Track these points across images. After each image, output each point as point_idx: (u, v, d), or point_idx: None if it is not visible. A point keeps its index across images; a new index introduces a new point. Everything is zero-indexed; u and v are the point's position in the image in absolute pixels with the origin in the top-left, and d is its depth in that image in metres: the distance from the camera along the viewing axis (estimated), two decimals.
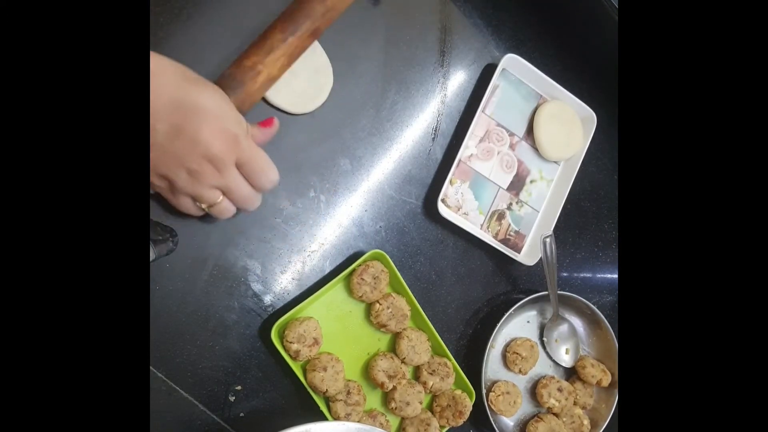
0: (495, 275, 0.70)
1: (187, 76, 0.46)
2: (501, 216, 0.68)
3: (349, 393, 0.58)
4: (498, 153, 0.68)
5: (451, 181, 0.65)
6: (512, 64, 0.67)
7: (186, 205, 0.50)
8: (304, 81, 0.58)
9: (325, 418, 0.57)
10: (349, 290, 0.60)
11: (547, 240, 0.66)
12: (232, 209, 0.51)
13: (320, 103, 0.59)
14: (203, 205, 0.49)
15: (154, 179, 0.48)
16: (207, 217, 0.54)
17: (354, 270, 0.59)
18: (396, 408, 0.60)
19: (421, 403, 0.61)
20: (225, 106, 0.47)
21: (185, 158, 0.46)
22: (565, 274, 0.75)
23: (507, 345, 0.71)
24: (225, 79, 0.51)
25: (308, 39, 0.53)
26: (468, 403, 0.63)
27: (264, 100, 0.57)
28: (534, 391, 0.72)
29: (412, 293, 0.61)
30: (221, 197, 0.49)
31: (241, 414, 0.57)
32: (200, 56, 0.54)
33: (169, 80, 0.44)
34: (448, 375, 0.62)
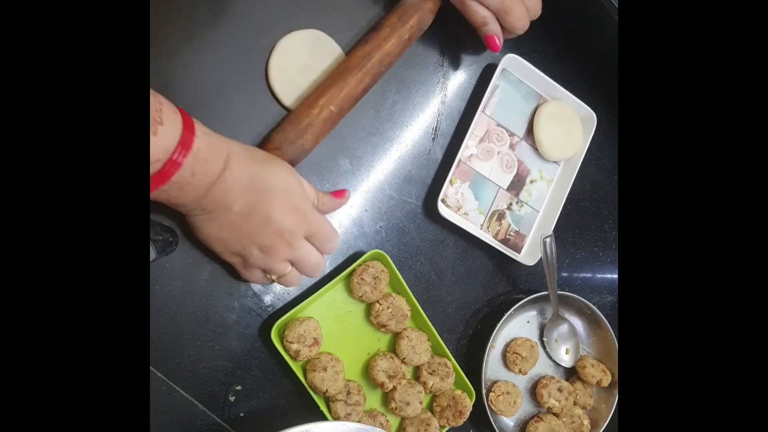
0: (495, 275, 0.70)
1: (257, 158, 0.48)
2: (501, 216, 0.68)
3: (349, 393, 0.58)
4: (498, 153, 0.68)
5: (451, 181, 0.65)
6: (512, 64, 0.67)
7: (257, 277, 0.53)
8: (312, 81, 0.58)
9: (325, 418, 0.57)
10: (349, 290, 0.60)
11: (547, 240, 0.66)
12: (299, 278, 0.54)
13: None
14: (273, 277, 0.52)
15: (228, 257, 0.51)
16: None
17: (354, 270, 0.59)
18: (396, 408, 0.60)
19: (421, 403, 0.61)
20: (293, 183, 0.50)
21: (258, 236, 0.49)
22: (565, 274, 0.75)
23: (507, 345, 0.71)
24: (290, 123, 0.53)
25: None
26: (468, 403, 0.63)
27: (276, 100, 0.57)
28: (534, 391, 0.72)
29: (412, 293, 0.61)
30: (290, 267, 0.52)
31: (241, 414, 0.57)
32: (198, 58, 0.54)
33: (241, 163, 0.46)
34: (448, 375, 0.62)
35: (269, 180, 0.48)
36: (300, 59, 0.57)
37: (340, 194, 0.57)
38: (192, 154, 0.42)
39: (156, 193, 0.43)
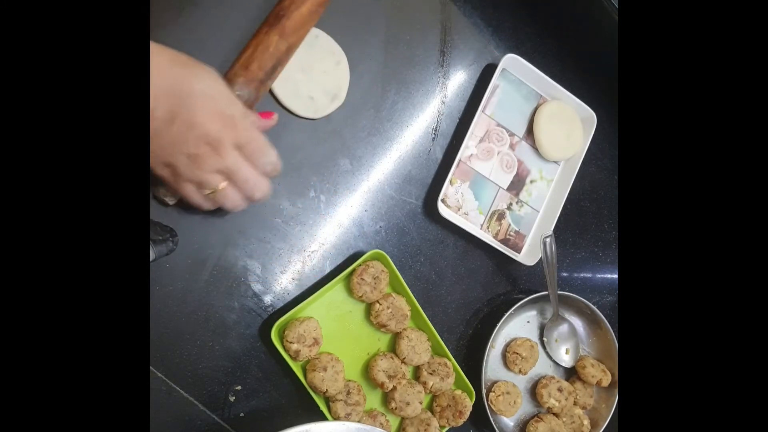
0: (495, 275, 0.70)
1: (178, 60, 0.45)
2: (501, 216, 0.68)
3: (349, 393, 0.58)
4: (498, 153, 0.68)
5: (451, 181, 0.65)
6: (512, 64, 0.67)
7: (190, 192, 0.49)
8: (320, 85, 0.58)
9: (325, 418, 0.57)
10: (349, 290, 0.60)
11: (547, 240, 0.66)
12: (237, 197, 0.50)
13: (333, 109, 0.59)
14: (207, 192, 0.49)
15: (157, 168, 0.48)
16: (207, 216, 0.54)
17: (354, 270, 0.59)
18: (396, 408, 0.60)
19: (421, 403, 0.61)
20: (219, 88, 0.47)
21: (183, 143, 0.46)
22: (565, 274, 0.75)
23: (507, 345, 0.71)
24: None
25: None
26: (468, 403, 0.63)
27: (276, 100, 0.57)
28: (534, 391, 0.72)
29: (412, 293, 0.61)
30: (224, 182, 0.49)
31: (241, 414, 0.57)
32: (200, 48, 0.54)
33: (161, 66, 0.43)
34: (448, 375, 0.62)
35: (193, 83, 0.45)
36: (298, 58, 0.57)
37: (267, 115, 0.53)
38: None
39: None
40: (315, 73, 0.58)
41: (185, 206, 0.53)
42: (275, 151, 0.50)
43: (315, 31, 0.58)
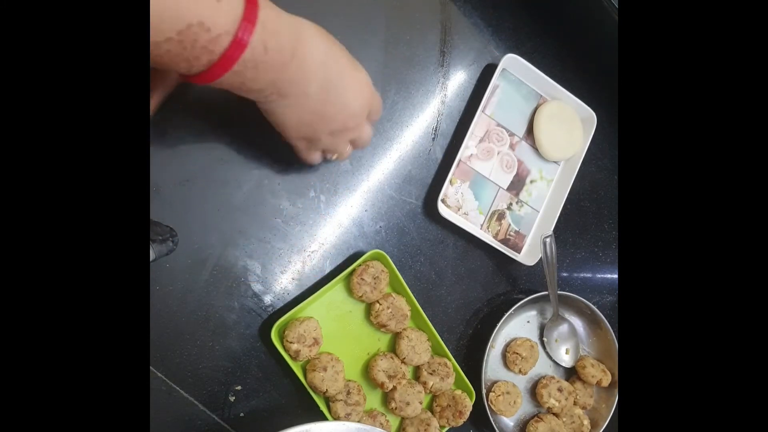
0: (495, 275, 0.70)
1: (328, 36, 0.46)
2: (501, 216, 0.68)
3: (349, 393, 0.58)
4: (498, 153, 0.68)
5: (451, 181, 0.65)
6: (512, 64, 0.67)
7: (316, 158, 0.52)
8: None
9: (325, 418, 0.57)
10: (349, 290, 0.60)
11: (547, 240, 0.66)
12: (349, 150, 0.54)
13: None
14: (333, 156, 0.52)
15: (295, 141, 0.49)
16: (207, 216, 0.54)
17: (354, 270, 0.59)
18: (396, 408, 0.60)
19: (421, 403, 0.61)
20: (352, 59, 0.48)
21: (331, 121, 0.47)
22: (565, 274, 0.75)
23: (507, 345, 0.71)
24: None
25: None
26: (468, 403, 0.63)
27: None
28: (534, 391, 0.72)
29: (412, 293, 0.61)
30: (350, 147, 0.53)
31: (241, 414, 0.57)
32: None
33: (316, 40, 0.43)
34: (448, 375, 0.62)
35: (342, 59, 0.46)
36: None
37: None
38: (260, 26, 0.38)
39: (230, 76, 0.39)
40: None
41: (185, 206, 0.53)
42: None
43: None
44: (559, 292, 0.69)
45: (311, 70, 0.43)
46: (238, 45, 0.37)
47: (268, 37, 0.39)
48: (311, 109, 0.45)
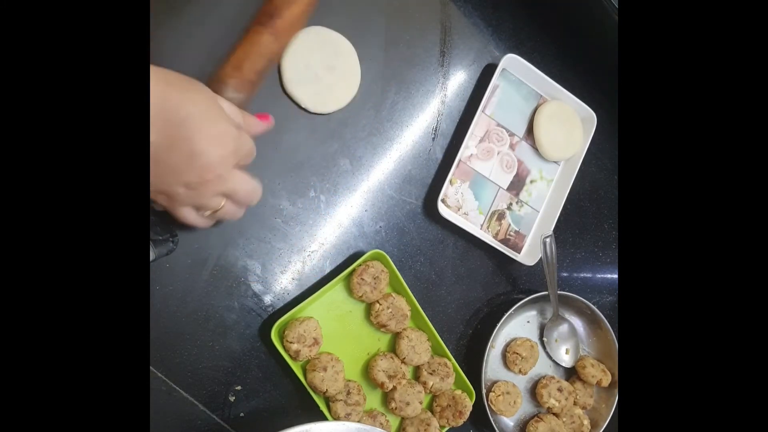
0: (495, 275, 0.70)
1: (171, 81, 0.43)
2: (501, 216, 0.68)
3: (349, 393, 0.58)
4: (498, 153, 0.68)
5: (451, 181, 0.65)
6: (512, 64, 0.67)
7: (189, 216, 0.47)
8: (331, 81, 0.59)
9: (325, 418, 0.57)
10: (349, 290, 0.60)
11: (547, 240, 0.66)
12: (236, 210, 0.49)
13: (341, 106, 0.60)
14: (207, 213, 0.48)
15: (153, 196, 0.45)
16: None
17: (354, 270, 0.59)
18: (396, 408, 0.60)
19: (421, 403, 0.61)
20: (213, 108, 0.44)
21: (184, 173, 0.43)
22: (565, 274, 0.75)
23: (507, 345, 0.71)
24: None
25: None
26: (468, 403, 0.63)
27: (283, 91, 0.57)
28: (534, 391, 0.72)
29: (412, 293, 0.61)
30: (224, 201, 0.47)
31: (241, 414, 0.57)
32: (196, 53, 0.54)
33: (154, 90, 0.40)
34: (448, 375, 0.62)
35: (188, 107, 0.42)
36: (309, 57, 0.57)
37: (264, 117, 0.51)
38: None
39: None
40: (327, 68, 0.58)
41: None
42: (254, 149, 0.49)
43: (315, 29, 0.58)
44: (559, 292, 0.69)
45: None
46: None
47: None
48: (155, 159, 0.42)
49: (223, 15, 0.55)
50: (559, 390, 0.70)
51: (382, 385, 0.59)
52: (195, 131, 0.42)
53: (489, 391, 0.67)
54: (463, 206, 0.66)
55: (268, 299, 0.58)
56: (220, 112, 0.45)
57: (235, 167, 0.46)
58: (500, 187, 0.68)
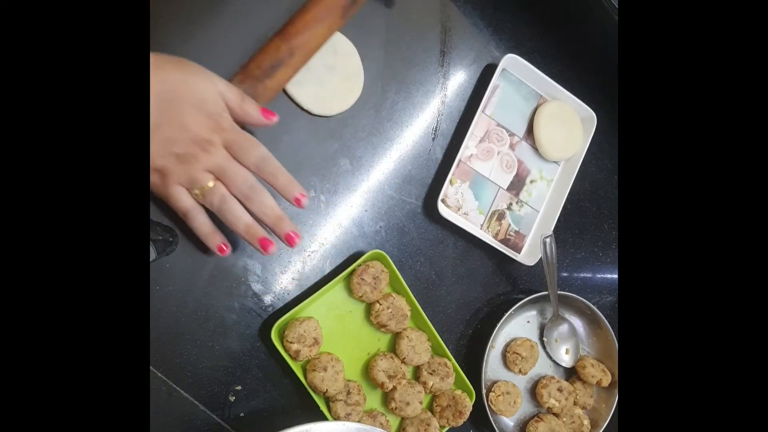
0: (495, 275, 0.70)
1: (161, 63, 0.46)
2: (501, 216, 0.68)
3: (349, 393, 0.58)
4: (498, 153, 0.68)
5: (451, 181, 0.65)
6: (512, 64, 0.67)
7: (182, 198, 0.49)
8: (334, 83, 0.59)
9: (325, 418, 0.57)
10: (349, 290, 0.60)
11: (547, 240, 0.66)
12: (232, 202, 0.49)
13: (344, 108, 0.60)
14: (196, 191, 0.48)
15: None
16: (207, 216, 0.54)
17: (354, 270, 0.59)
18: (396, 408, 0.60)
19: (421, 403, 0.61)
20: (208, 88, 0.47)
21: (173, 143, 0.46)
22: (565, 274, 0.75)
23: (507, 345, 0.71)
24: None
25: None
26: (468, 403, 0.63)
27: (285, 93, 0.57)
28: (534, 391, 0.72)
29: (412, 293, 0.61)
30: (213, 180, 0.49)
31: (241, 414, 0.57)
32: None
33: (157, 70, 0.44)
34: (448, 375, 0.62)
35: (180, 88, 0.46)
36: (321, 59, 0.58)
37: (268, 112, 0.51)
38: None
39: None
40: (329, 70, 0.58)
41: None
42: (260, 144, 0.50)
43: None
44: (559, 292, 0.69)
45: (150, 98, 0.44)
46: None
47: None
48: (150, 134, 0.45)
49: (254, 27, 0.56)
50: (559, 390, 0.70)
51: (382, 385, 0.59)
52: (187, 108, 0.46)
53: (489, 391, 0.67)
54: (463, 206, 0.66)
55: (268, 299, 0.58)
56: (212, 94, 0.48)
57: (224, 148, 0.48)
58: (500, 187, 0.68)
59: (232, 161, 0.49)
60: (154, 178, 0.48)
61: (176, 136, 0.46)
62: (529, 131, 0.70)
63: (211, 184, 0.49)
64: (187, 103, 0.46)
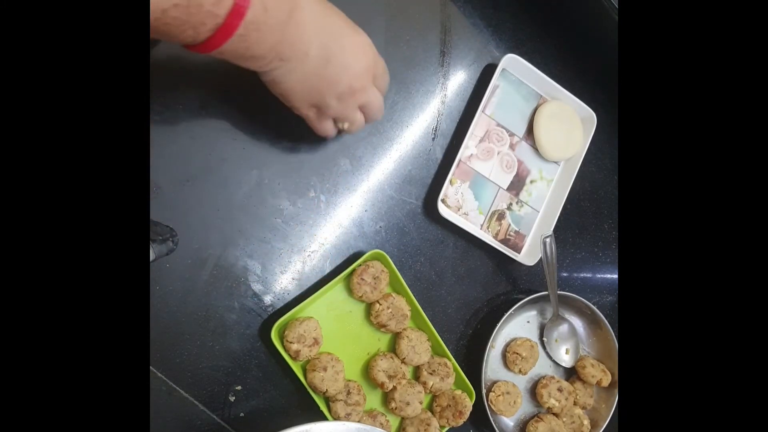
0: (495, 275, 0.70)
1: (328, 6, 0.47)
2: (501, 216, 0.68)
3: (349, 393, 0.58)
4: (498, 153, 0.68)
5: (451, 181, 0.65)
6: (512, 64, 0.67)
7: (328, 128, 0.52)
8: None
9: (325, 418, 0.57)
10: (349, 290, 0.60)
11: (547, 240, 0.66)
12: (363, 122, 0.54)
13: None
14: (345, 125, 0.52)
15: (304, 109, 0.50)
16: (207, 216, 0.54)
17: (354, 270, 0.59)
18: (396, 408, 0.60)
19: (421, 403, 0.61)
20: (355, 28, 0.49)
21: (337, 84, 0.48)
22: (565, 274, 0.75)
23: (507, 345, 0.71)
24: None
25: None
26: (468, 403, 0.63)
27: None
28: (534, 391, 0.72)
29: (412, 293, 0.61)
30: (360, 114, 0.52)
31: (241, 414, 0.57)
32: None
33: (313, 7, 0.45)
34: (448, 375, 0.62)
35: (338, 20, 0.47)
36: None
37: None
38: None
39: (234, 41, 0.40)
40: None
41: (185, 206, 0.53)
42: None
43: None
44: (559, 292, 0.69)
45: (309, 31, 0.44)
46: (240, 5, 0.38)
47: None
48: (314, 72, 0.46)
49: None
50: (559, 390, 0.70)
51: (382, 385, 0.59)
52: (347, 44, 0.47)
53: (489, 391, 0.67)
54: (463, 206, 0.66)
55: (268, 299, 0.58)
56: (356, 27, 0.49)
57: (372, 82, 0.51)
58: (500, 187, 0.68)
59: (378, 96, 0.52)
60: (310, 113, 0.50)
61: (340, 76, 0.47)
62: (529, 131, 0.70)
63: (360, 118, 0.52)
64: (349, 37, 0.47)
